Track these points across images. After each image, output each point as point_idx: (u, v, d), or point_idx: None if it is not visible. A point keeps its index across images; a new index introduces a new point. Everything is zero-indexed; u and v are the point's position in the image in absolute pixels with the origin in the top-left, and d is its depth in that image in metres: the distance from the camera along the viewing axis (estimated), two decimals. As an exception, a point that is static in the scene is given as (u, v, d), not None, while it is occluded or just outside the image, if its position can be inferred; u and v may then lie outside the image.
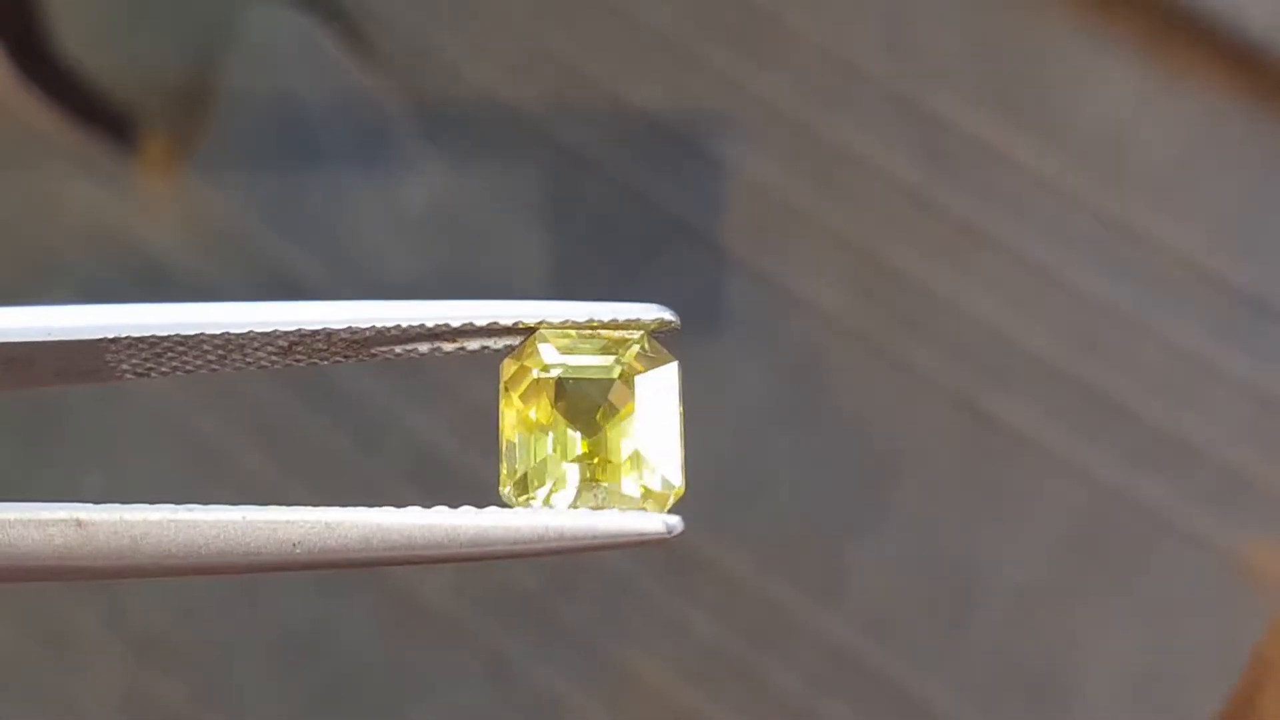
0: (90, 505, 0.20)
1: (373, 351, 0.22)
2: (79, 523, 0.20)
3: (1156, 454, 0.45)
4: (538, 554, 0.20)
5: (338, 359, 0.22)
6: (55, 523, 0.20)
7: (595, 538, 0.21)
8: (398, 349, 0.22)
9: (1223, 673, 0.44)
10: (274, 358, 0.21)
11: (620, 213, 0.48)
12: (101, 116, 0.50)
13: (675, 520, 0.21)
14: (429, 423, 0.47)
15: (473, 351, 0.22)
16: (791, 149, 0.48)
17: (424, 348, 0.22)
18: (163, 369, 0.22)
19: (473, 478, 0.47)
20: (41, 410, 0.49)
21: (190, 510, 0.20)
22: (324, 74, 0.50)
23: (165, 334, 0.21)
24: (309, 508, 0.20)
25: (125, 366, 0.21)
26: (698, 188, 0.48)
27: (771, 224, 0.48)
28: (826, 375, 0.47)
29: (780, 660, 0.45)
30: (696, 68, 0.49)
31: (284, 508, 0.20)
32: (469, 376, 0.47)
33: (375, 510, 0.20)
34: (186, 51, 0.50)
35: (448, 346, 0.22)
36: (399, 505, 0.20)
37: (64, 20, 0.50)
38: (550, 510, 0.21)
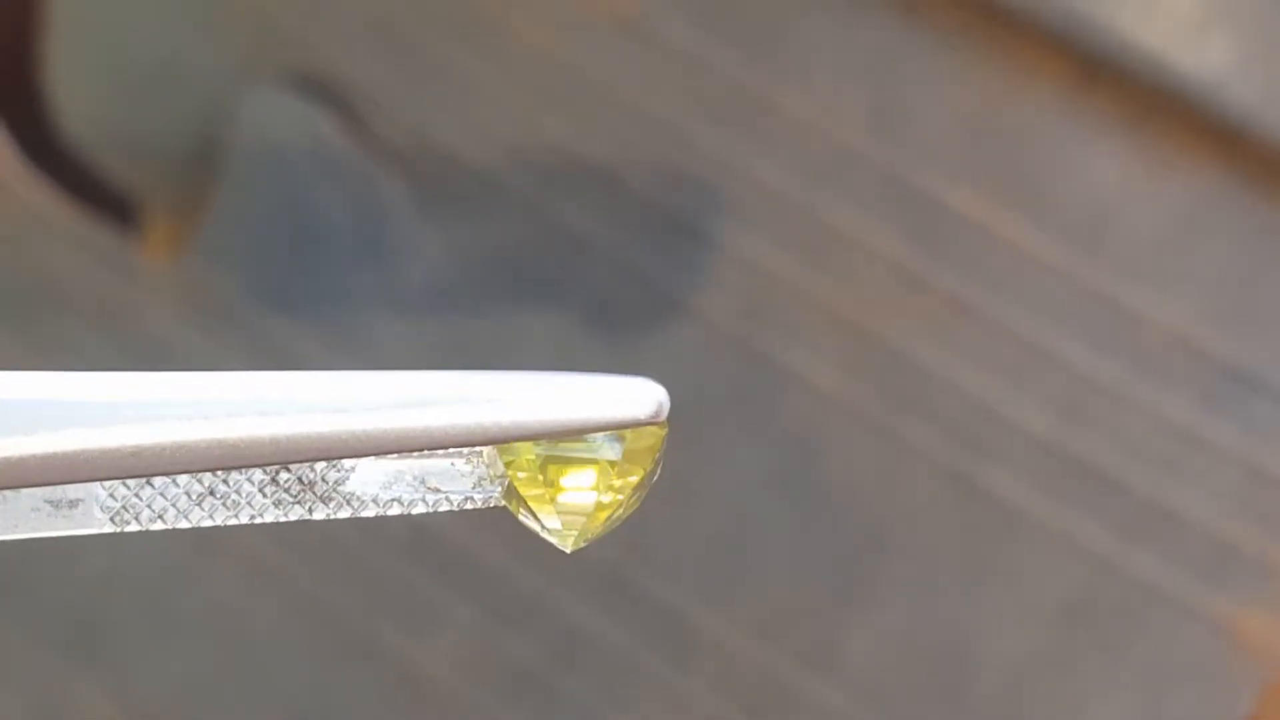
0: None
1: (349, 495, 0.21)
2: None
3: (1147, 525, 0.46)
4: (512, 432, 0.19)
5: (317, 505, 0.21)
6: None
7: (581, 412, 0.19)
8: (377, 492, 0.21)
9: (1215, 742, 0.44)
10: (265, 486, 0.21)
11: (617, 291, 0.49)
12: (104, 197, 0.51)
13: (663, 394, 0.20)
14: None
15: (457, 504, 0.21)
16: (783, 227, 0.48)
17: (409, 495, 0.21)
18: (146, 507, 0.21)
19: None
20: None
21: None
22: (323, 155, 0.50)
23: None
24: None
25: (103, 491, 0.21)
26: (692, 266, 0.49)
27: (764, 301, 0.48)
28: (820, 450, 0.47)
29: (777, 732, 0.46)
30: (690, 148, 0.49)
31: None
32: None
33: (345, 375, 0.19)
34: (188, 133, 0.51)
35: (431, 498, 0.21)
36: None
37: (66, 102, 0.51)
38: (533, 373, 0.20)
